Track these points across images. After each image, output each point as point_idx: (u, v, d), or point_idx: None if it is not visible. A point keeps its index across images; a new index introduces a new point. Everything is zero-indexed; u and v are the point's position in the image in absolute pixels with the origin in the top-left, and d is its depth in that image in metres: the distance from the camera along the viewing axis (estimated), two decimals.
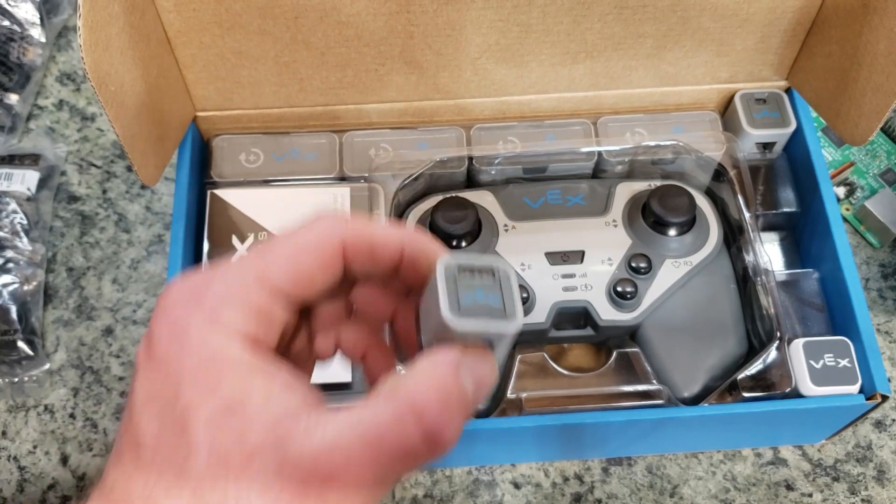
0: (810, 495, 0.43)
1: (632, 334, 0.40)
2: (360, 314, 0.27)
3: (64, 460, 0.44)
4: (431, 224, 0.40)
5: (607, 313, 0.40)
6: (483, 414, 0.39)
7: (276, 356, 0.23)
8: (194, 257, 0.41)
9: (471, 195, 0.42)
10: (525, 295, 0.39)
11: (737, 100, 0.45)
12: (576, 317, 0.40)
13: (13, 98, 0.53)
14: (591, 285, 0.40)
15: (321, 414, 0.21)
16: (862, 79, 0.38)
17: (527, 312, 0.40)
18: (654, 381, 0.39)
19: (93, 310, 0.48)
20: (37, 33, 0.55)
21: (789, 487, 0.44)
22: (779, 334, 0.38)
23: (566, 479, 0.44)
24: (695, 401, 0.39)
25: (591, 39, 0.41)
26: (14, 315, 0.45)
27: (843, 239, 0.41)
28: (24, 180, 0.49)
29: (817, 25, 0.41)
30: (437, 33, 0.40)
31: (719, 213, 0.43)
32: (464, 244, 0.40)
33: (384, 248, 0.25)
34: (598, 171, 0.45)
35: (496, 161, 0.43)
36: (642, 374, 0.40)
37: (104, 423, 0.45)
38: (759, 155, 0.45)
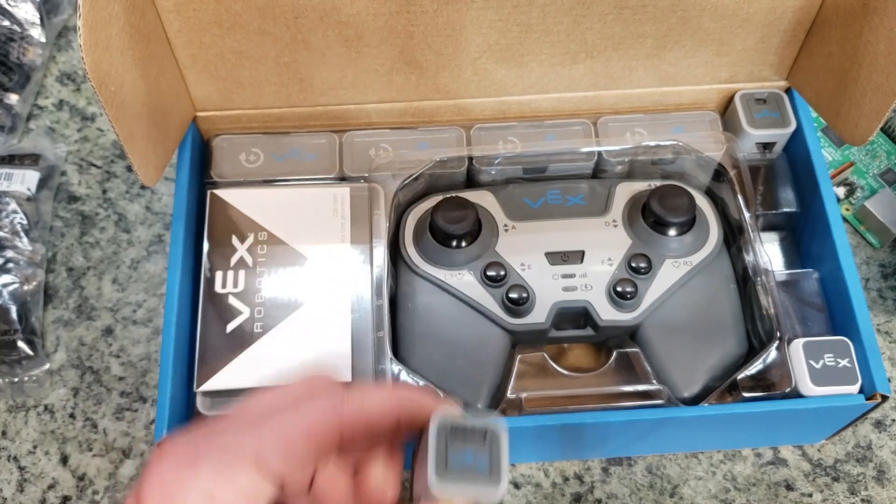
0: (810, 495, 0.43)
1: (632, 334, 0.40)
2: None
3: (64, 460, 0.44)
4: (431, 224, 0.40)
5: (607, 313, 0.40)
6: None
7: None
8: (194, 257, 0.41)
9: (471, 195, 0.42)
10: (525, 295, 0.39)
11: (737, 100, 0.45)
12: (576, 317, 0.40)
13: (13, 98, 0.53)
14: (590, 285, 0.40)
15: None
16: (862, 79, 0.38)
17: (527, 313, 0.40)
18: (654, 381, 0.39)
19: (93, 310, 0.48)
20: (37, 33, 0.55)
21: (789, 487, 0.44)
22: (779, 334, 0.38)
23: (566, 479, 0.44)
24: (695, 401, 0.39)
25: (591, 39, 0.41)
26: (14, 315, 0.45)
27: (842, 239, 0.41)
28: (25, 180, 0.49)
29: (817, 25, 0.41)
30: (437, 33, 0.40)
31: (719, 213, 0.43)
32: (464, 244, 0.40)
33: (380, 421, 0.26)
34: (598, 171, 0.45)
35: (496, 161, 0.43)
36: (642, 374, 0.40)
37: (104, 423, 0.45)
38: (759, 155, 0.45)
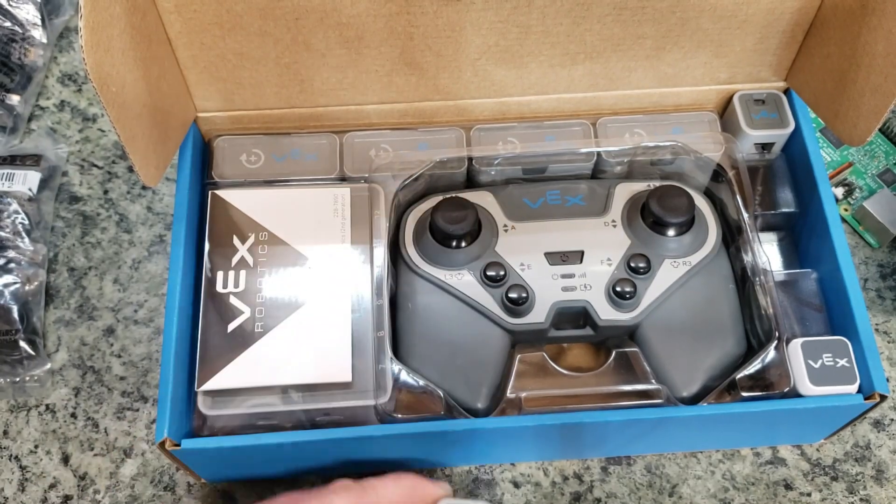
0: (809, 495, 0.43)
1: (631, 334, 0.41)
2: None
3: (65, 460, 0.44)
4: (431, 224, 0.40)
5: (606, 313, 0.40)
6: (483, 413, 0.39)
7: None
8: (195, 257, 0.41)
9: (471, 195, 0.42)
10: (525, 295, 0.39)
11: (735, 100, 0.45)
12: (575, 317, 0.41)
13: (15, 99, 0.53)
14: (590, 285, 0.40)
15: None
16: (860, 80, 0.38)
17: (526, 312, 0.40)
18: (653, 381, 0.39)
19: (94, 310, 0.48)
20: (38, 34, 0.55)
21: (788, 487, 0.44)
22: (777, 334, 0.38)
23: (565, 479, 0.44)
24: (694, 400, 0.39)
25: (590, 40, 0.41)
26: (15, 315, 0.46)
27: (841, 239, 0.41)
28: (26, 181, 0.49)
29: (816, 27, 0.41)
30: (437, 34, 0.40)
31: (718, 213, 0.43)
32: (463, 244, 0.40)
33: None
34: (598, 172, 0.45)
35: (496, 161, 0.43)
36: (641, 373, 0.40)
37: (105, 423, 0.45)
38: (758, 155, 0.45)
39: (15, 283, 0.46)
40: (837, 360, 0.38)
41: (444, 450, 0.41)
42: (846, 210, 0.51)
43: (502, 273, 0.40)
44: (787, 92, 0.45)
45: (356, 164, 0.44)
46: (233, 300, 0.39)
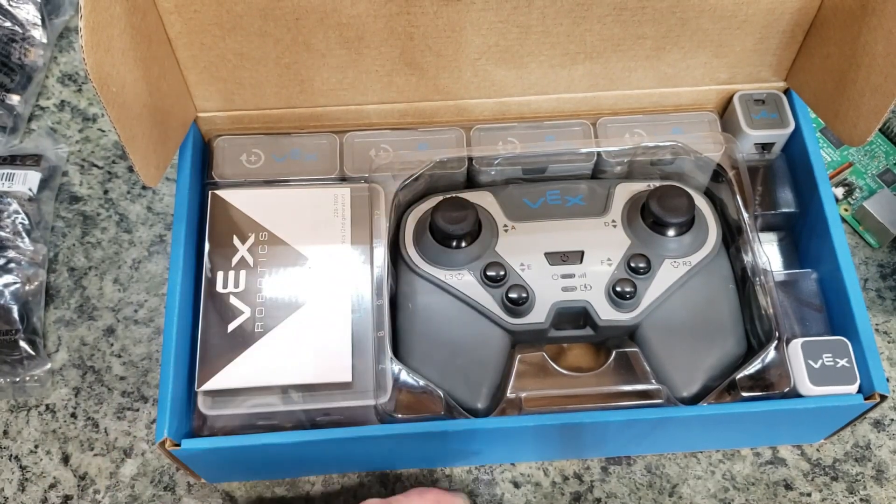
0: (809, 495, 0.43)
1: (631, 334, 0.41)
2: None
3: (65, 460, 0.44)
4: (431, 224, 0.40)
5: (606, 313, 0.40)
6: (483, 413, 0.39)
7: None
8: (195, 257, 0.41)
9: (471, 195, 0.42)
10: (525, 295, 0.39)
11: (735, 101, 0.45)
12: (575, 317, 0.41)
13: (15, 99, 0.53)
14: (590, 285, 0.40)
15: None
16: (860, 80, 0.38)
17: (526, 312, 0.40)
18: (654, 381, 0.39)
19: (94, 310, 0.48)
20: (38, 34, 0.55)
21: (788, 487, 0.44)
22: (777, 334, 0.38)
23: (566, 479, 0.44)
24: (694, 400, 0.39)
25: (590, 41, 0.41)
26: (16, 315, 0.46)
27: (841, 239, 0.41)
28: (26, 181, 0.49)
29: (816, 27, 0.41)
30: (438, 35, 0.40)
31: (718, 213, 0.43)
32: (464, 244, 0.40)
33: None
34: (598, 172, 0.45)
35: (496, 162, 0.43)
36: (641, 373, 0.40)
37: (105, 423, 0.45)
38: (758, 156, 0.45)
39: (15, 283, 0.46)
40: (837, 360, 0.38)
41: (444, 450, 0.41)
42: (846, 210, 0.51)
43: (502, 273, 0.40)
44: (787, 92, 0.45)
45: (356, 164, 0.44)
46: (233, 300, 0.39)
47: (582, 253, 0.41)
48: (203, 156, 0.44)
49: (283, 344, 0.38)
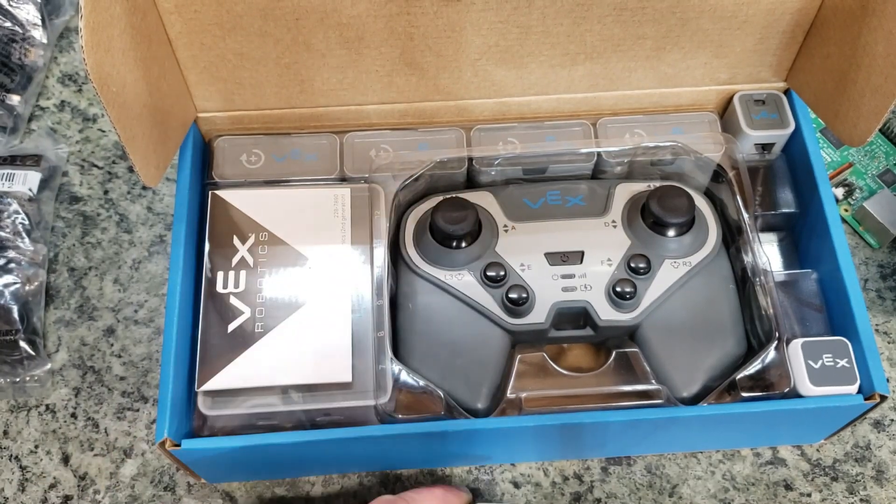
0: (809, 495, 0.43)
1: (631, 334, 0.41)
2: None
3: (65, 460, 0.44)
4: (431, 224, 0.40)
5: (606, 313, 0.40)
6: (483, 414, 0.39)
7: None
8: (196, 257, 0.41)
9: (471, 196, 0.42)
10: (525, 295, 0.39)
11: (736, 101, 0.45)
12: (575, 317, 0.41)
13: (15, 99, 0.53)
14: (590, 286, 0.40)
15: None
16: (860, 80, 0.38)
17: (526, 313, 0.40)
18: (654, 381, 0.39)
19: (94, 310, 0.48)
20: (38, 34, 0.55)
21: (788, 487, 0.44)
22: (777, 334, 0.38)
23: (566, 479, 0.44)
24: (694, 401, 0.39)
25: (590, 41, 0.41)
26: (16, 315, 0.46)
27: (841, 239, 0.41)
28: (26, 181, 0.49)
29: (816, 27, 0.41)
30: (438, 35, 0.40)
31: (718, 213, 0.43)
32: (464, 244, 0.40)
33: None
34: (598, 172, 0.45)
35: (496, 162, 0.43)
36: (641, 373, 0.40)
37: (105, 423, 0.45)
38: (758, 156, 0.45)
39: (15, 283, 0.46)
40: (837, 360, 0.38)
41: (444, 450, 0.41)
42: (846, 210, 0.51)
43: (502, 273, 0.40)
44: (787, 92, 0.45)
45: (356, 164, 0.44)
46: (233, 300, 0.39)
47: (582, 253, 0.41)
48: (203, 156, 0.44)
49: (283, 344, 0.38)
